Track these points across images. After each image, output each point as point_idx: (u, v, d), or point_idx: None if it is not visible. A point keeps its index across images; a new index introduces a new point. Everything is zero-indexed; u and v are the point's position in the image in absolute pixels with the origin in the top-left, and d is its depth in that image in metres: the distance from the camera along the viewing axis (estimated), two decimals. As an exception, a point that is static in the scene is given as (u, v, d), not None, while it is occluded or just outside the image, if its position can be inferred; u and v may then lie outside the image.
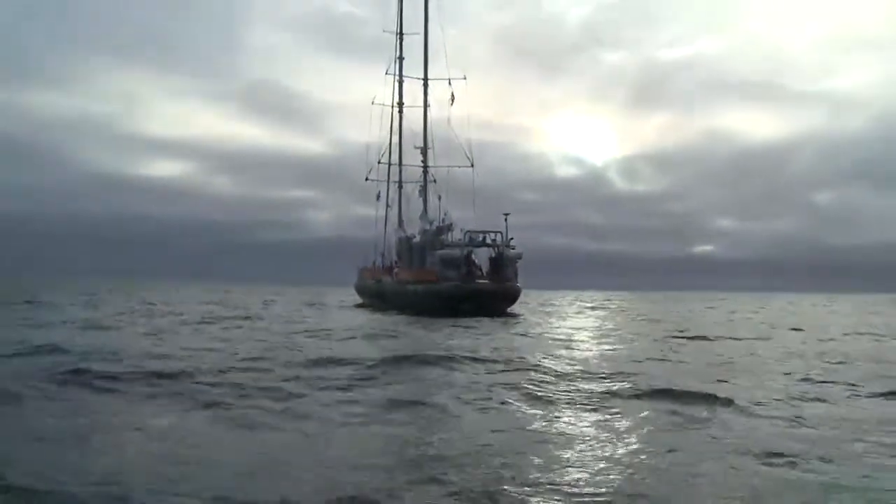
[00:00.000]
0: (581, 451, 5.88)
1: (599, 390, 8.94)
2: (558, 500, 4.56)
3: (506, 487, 4.76)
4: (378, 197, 42.77)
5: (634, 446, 6.02)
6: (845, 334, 21.47)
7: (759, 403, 8.14)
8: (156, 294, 49.91)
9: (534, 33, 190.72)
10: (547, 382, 9.57)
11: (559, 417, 7.33)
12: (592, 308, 43.12)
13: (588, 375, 10.30)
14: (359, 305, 39.13)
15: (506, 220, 30.96)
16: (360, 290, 43.40)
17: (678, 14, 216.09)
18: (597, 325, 25.76)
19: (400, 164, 41.96)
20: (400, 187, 42.36)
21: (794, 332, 22.53)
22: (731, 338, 19.00)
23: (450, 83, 37.54)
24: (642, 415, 7.46)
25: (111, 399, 7.96)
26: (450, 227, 33.31)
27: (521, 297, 32.77)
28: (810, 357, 13.93)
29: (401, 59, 41.00)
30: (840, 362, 13.02)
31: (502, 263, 30.68)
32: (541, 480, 4.96)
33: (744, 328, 24.23)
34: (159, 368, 9.98)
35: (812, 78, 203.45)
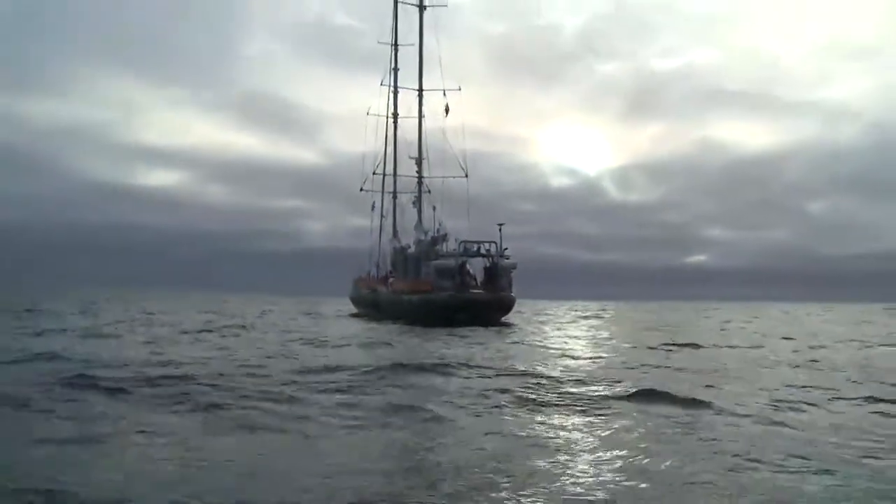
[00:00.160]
0: (573, 454, 6.07)
1: (592, 395, 9.16)
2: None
3: (502, 493, 4.89)
4: (373, 207, 43.13)
5: (625, 450, 6.20)
6: (836, 342, 21.73)
7: (745, 408, 8.40)
8: (154, 303, 49.92)
9: (528, 43, 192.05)
10: (540, 388, 9.77)
11: (552, 422, 7.53)
12: (586, 317, 43.31)
13: (581, 381, 10.50)
14: (354, 315, 39.27)
15: (500, 230, 31.30)
16: (356, 300, 43.54)
17: (672, 24, 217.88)
18: (591, 334, 25.97)
19: (395, 174, 42.36)
20: (395, 198, 42.74)
21: (785, 340, 22.78)
22: (723, 346, 19.24)
23: (444, 94, 37.94)
24: (633, 419, 7.67)
25: (115, 404, 8.11)
26: (444, 238, 33.58)
27: (516, 307, 32.98)
28: (799, 364, 14.19)
29: (396, 70, 41.47)
30: (827, 369, 13.28)
31: (497, 273, 30.92)
32: (534, 484, 5.11)
33: (737, 337, 24.48)
34: (161, 374, 10.18)
35: (805, 88, 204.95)
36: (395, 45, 41.01)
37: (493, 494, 4.86)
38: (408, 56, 41.05)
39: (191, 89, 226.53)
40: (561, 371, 12.06)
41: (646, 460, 5.85)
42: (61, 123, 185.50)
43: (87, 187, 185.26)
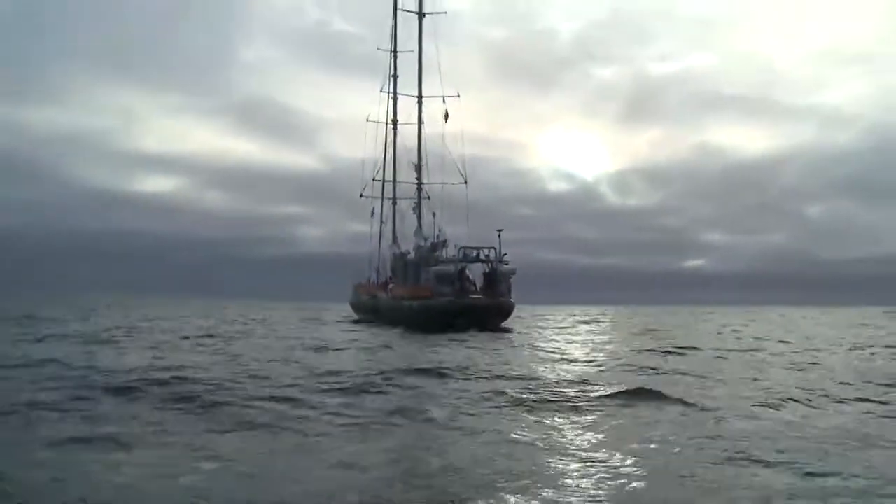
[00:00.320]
0: (570, 455, 6.23)
1: (590, 398, 9.35)
2: None
3: (501, 494, 4.98)
4: (373, 213, 43.40)
5: (622, 450, 6.36)
6: (833, 346, 21.91)
7: (737, 408, 8.61)
8: (154, 309, 50.02)
9: (526, 49, 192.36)
10: (538, 391, 9.93)
11: (550, 423, 7.71)
12: (585, 322, 43.48)
13: (578, 384, 10.68)
14: (354, 321, 39.43)
15: (499, 235, 31.49)
16: (356, 306, 43.73)
17: (669, 29, 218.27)
18: (589, 338, 26.15)
19: (394, 180, 42.60)
20: (394, 204, 42.96)
21: (782, 343, 22.95)
22: (720, 349, 19.40)
23: (444, 101, 38.20)
24: (629, 420, 7.89)
25: (122, 407, 8.30)
26: (444, 244, 33.74)
27: (515, 312, 33.12)
28: (793, 367, 14.36)
29: (395, 76, 41.77)
30: (822, 371, 13.45)
31: (496, 279, 31.09)
32: (532, 484, 5.22)
33: (734, 340, 24.66)
34: (165, 378, 10.36)
35: (803, 92, 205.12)
36: (395, 51, 41.35)
37: (493, 495, 4.97)
38: (407, 62, 41.29)
39: (190, 96, 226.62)
40: (559, 374, 12.24)
41: (641, 459, 6.01)
42: (61, 130, 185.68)
43: (86, 194, 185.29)
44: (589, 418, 8.03)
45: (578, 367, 13.81)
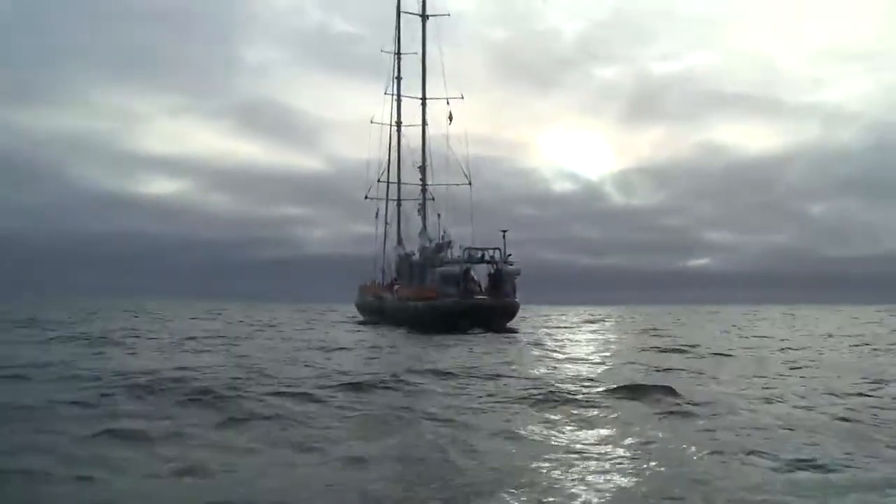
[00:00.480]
0: (577, 453, 6.30)
1: (595, 395, 9.46)
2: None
3: (507, 493, 5.02)
4: (377, 215, 43.65)
5: (622, 448, 6.48)
6: (836, 343, 21.98)
7: (738, 405, 8.73)
8: (158, 311, 50.21)
9: (528, 49, 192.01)
10: (544, 390, 9.99)
11: (556, 422, 7.80)
12: (590, 322, 43.58)
13: (583, 383, 10.79)
14: (360, 322, 39.59)
15: (504, 236, 31.51)
16: (361, 307, 43.91)
17: (671, 28, 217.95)
18: (594, 337, 26.27)
19: (399, 182, 42.80)
20: (399, 205, 43.18)
21: (784, 341, 23.02)
22: (723, 347, 19.47)
23: (447, 103, 38.38)
24: (633, 417, 7.99)
25: (130, 409, 8.40)
26: (449, 245, 33.89)
27: (520, 313, 33.18)
28: (794, 364, 14.47)
29: (399, 78, 41.98)
30: (824, 369, 13.55)
31: (501, 279, 31.17)
32: (539, 482, 5.29)
33: (737, 339, 24.76)
34: (175, 377, 10.52)
35: (805, 90, 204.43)
36: (398, 53, 41.61)
37: (499, 494, 5.02)
38: (410, 64, 41.54)
39: (191, 97, 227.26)
40: (564, 373, 12.37)
41: (645, 456, 6.12)
42: (62, 132, 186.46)
43: (88, 196, 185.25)
44: (592, 414, 8.16)
45: (583, 367, 13.92)
